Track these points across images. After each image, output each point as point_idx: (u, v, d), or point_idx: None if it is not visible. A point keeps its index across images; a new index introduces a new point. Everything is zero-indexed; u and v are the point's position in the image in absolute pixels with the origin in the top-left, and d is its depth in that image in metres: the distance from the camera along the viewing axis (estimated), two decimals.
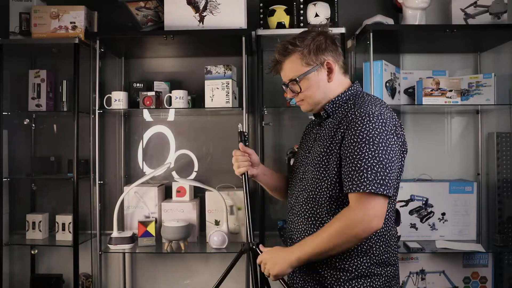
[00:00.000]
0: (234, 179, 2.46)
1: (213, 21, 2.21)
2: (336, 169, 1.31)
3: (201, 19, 2.23)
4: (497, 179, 2.42)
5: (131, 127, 2.63)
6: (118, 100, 2.33)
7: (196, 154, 2.58)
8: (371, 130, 1.25)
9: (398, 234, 2.16)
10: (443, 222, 2.31)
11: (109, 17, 2.50)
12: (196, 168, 2.59)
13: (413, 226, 2.31)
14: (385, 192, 1.22)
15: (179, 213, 2.37)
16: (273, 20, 2.28)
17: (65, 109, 2.48)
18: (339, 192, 1.32)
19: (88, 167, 2.49)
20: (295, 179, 1.48)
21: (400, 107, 2.41)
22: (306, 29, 1.47)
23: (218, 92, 2.26)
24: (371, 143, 1.24)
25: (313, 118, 1.57)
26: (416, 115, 2.55)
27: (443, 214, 2.31)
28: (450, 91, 2.19)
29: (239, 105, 2.36)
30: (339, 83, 1.43)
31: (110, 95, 2.34)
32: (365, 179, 1.22)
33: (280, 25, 2.27)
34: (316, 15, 2.25)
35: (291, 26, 2.28)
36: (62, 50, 2.38)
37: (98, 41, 2.25)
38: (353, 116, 1.30)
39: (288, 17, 2.27)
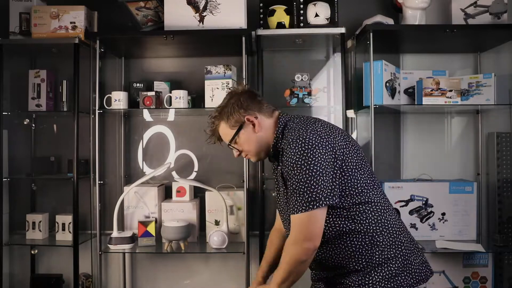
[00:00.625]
0: (234, 179, 2.46)
1: (213, 21, 2.21)
2: None
3: (201, 19, 2.23)
4: (497, 179, 2.42)
5: (131, 127, 2.63)
6: (118, 100, 2.33)
7: (196, 154, 2.58)
8: (292, 156, 1.35)
9: None
10: (443, 222, 2.31)
11: (109, 17, 2.50)
12: (196, 168, 2.59)
13: (413, 226, 2.31)
14: (315, 207, 1.31)
15: (179, 213, 2.37)
16: (273, 20, 2.28)
17: (65, 109, 2.48)
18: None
19: (88, 167, 2.49)
20: (284, 212, 1.56)
21: (400, 107, 2.41)
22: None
23: (218, 92, 2.25)
24: (295, 168, 1.34)
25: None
26: (416, 115, 2.55)
27: (443, 214, 2.31)
28: (450, 91, 2.19)
29: None
30: (269, 127, 1.53)
31: (110, 95, 2.34)
32: (295, 203, 1.34)
33: (280, 25, 2.27)
34: (316, 15, 2.25)
35: (291, 26, 2.28)
36: (62, 50, 2.38)
37: (98, 41, 2.25)
38: (283, 147, 1.41)
39: (288, 17, 2.27)
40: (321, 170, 1.33)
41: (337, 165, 1.37)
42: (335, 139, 1.40)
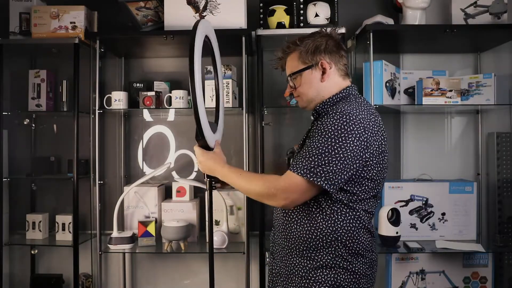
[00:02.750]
0: None
1: (213, 21, 2.21)
2: None
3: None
4: (497, 179, 2.42)
5: (131, 127, 2.63)
6: (118, 100, 2.33)
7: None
8: (329, 125, 1.30)
9: (398, 234, 2.16)
10: (443, 222, 2.31)
11: (109, 17, 2.50)
12: (196, 168, 2.59)
13: (413, 226, 2.31)
14: (311, 179, 1.28)
15: (179, 213, 2.37)
16: (273, 20, 2.28)
17: (65, 109, 2.48)
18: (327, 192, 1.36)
19: (88, 167, 2.49)
20: None
21: (400, 107, 2.41)
22: (316, 29, 1.53)
23: None
24: (322, 135, 1.30)
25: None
26: (416, 115, 2.55)
27: (443, 214, 2.31)
28: (450, 91, 2.19)
29: (239, 105, 2.36)
30: (334, 84, 1.46)
31: (110, 95, 2.34)
32: (299, 164, 1.30)
33: (280, 25, 2.27)
34: (316, 15, 2.25)
35: (291, 26, 2.28)
36: (62, 50, 2.38)
37: (98, 41, 2.25)
38: (324, 114, 1.39)
39: (288, 17, 2.27)
40: (345, 156, 1.28)
41: (361, 161, 1.32)
42: (377, 138, 1.35)
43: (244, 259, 2.23)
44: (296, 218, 1.41)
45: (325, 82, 1.45)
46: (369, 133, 1.32)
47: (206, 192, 1.64)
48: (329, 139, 1.29)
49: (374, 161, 1.36)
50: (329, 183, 1.29)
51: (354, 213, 1.38)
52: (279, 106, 2.43)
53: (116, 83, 2.58)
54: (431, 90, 2.19)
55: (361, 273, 1.40)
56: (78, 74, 2.27)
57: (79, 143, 2.29)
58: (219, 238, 2.23)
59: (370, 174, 1.36)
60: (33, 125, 2.57)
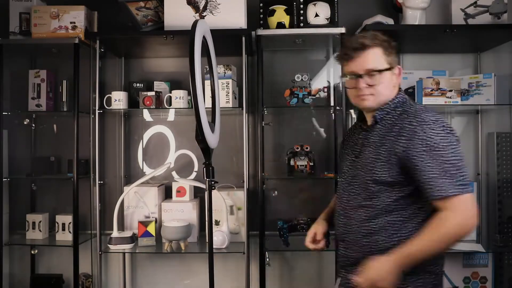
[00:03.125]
0: (234, 179, 2.46)
1: (213, 21, 2.21)
2: (387, 175, 1.35)
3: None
4: (497, 179, 2.42)
5: (131, 127, 2.63)
6: (118, 100, 2.33)
7: (196, 154, 2.58)
8: (434, 136, 1.29)
9: None
10: None
11: (109, 17, 2.50)
12: (196, 168, 2.59)
13: None
14: (468, 190, 1.27)
15: (179, 213, 2.37)
16: (273, 20, 2.28)
17: (65, 109, 2.48)
18: (395, 196, 1.36)
19: (88, 167, 2.49)
20: (344, 183, 1.51)
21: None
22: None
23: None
24: (439, 149, 1.28)
25: (357, 122, 1.60)
26: None
27: None
28: (450, 91, 2.19)
29: (239, 105, 2.36)
30: (395, 90, 1.47)
31: (110, 95, 2.34)
32: (443, 185, 1.27)
33: (280, 25, 2.26)
34: (316, 15, 2.25)
35: (291, 26, 2.28)
36: (62, 50, 2.38)
37: (98, 41, 2.25)
38: (410, 126, 1.33)
39: (288, 17, 2.27)
40: (462, 159, 1.31)
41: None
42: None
43: (244, 259, 2.23)
44: (378, 228, 1.38)
45: (395, 85, 1.46)
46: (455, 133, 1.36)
47: (206, 192, 1.64)
48: (455, 149, 1.30)
49: None
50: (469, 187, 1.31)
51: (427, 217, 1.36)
52: (279, 106, 2.43)
53: (116, 83, 2.58)
54: (431, 90, 2.19)
55: (440, 273, 1.41)
56: (78, 74, 2.27)
57: (79, 143, 2.29)
58: (219, 238, 2.23)
59: None
60: (33, 125, 2.57)
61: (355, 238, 1.43)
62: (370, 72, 1.41)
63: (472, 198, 1.29)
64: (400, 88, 1.49)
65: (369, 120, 1.49)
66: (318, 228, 1.64)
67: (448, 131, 1.32)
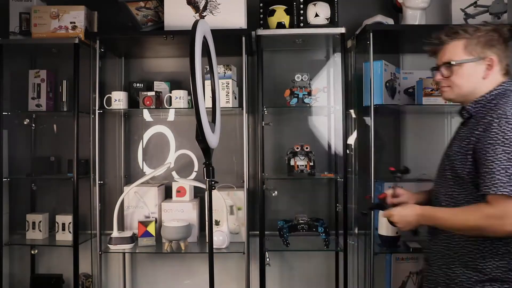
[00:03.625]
0: (234, 179, 2.46)
1: (213, 21, 2.21)
2: (467, 170, 1.33)
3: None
4: None
5: (131, 127, 2.63)
6: (118, 100, 2.33)
7: (196, 154, 2.58)
8: (507, 132, 1.24)
9: (398, 234, 2.16)
10: None
11: (109, 17, 2.50)
12: (196, 168, 2.59)
13: None
14: None
15: (179, 213, 2.37)
16: (273, 20, 2.28)
17: (65, 109, 2.48)
18: (475, 191, 1.32)
19: (88, 167, 2.49)
20: (438, 174, 1.51)
21: (400, 107, 2.41)
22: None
23: None
24: (506, 145, 1.23)
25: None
26: (416, 115, 2.55)
27: None
28: None
29: (239, 105, 2.36)
30: (493, 83, 1.40)
31: (110, 95, 2.34)
32: (498, 181, 1.22)
33: (280, 25, 2.26)
34: (316, 15, 2.25)
35: (291, 26, 2.28)
36: (62, 50, 2.38)
37: (98, 41, 2.25)
38: (490, 118, 1.29)
39: (288, 17, 2.27)
40: None
41: None
42: None
43: (244, 259, 2.23)
44: None
45: (486, 79, 1.39)
46: None
47: (206, 192, 1.64)
48: None
49: None
50: None
51: None
52: (279, 106, 2.43)
53: (116, 83, 2.58)
54: (431, 90, 2.19)
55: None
56: (78, 74, 2.27)
57: (79, 143, 2.29)
58: (219, 238, 2.23)
59: None
60: (33, 125, 2.57)
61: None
62: (443, 65, 1.44)
63: None
64: (505, 81, 1.41)
65: (463, 114, 1.47)
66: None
67: None
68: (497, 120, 1.27)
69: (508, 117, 1.26)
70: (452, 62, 1.41)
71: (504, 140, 1.24)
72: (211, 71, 1.73)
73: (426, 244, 1.53)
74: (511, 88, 1.39)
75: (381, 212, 1.55)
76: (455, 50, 1.42)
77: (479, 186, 1.28)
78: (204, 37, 1.58)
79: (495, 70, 1.39)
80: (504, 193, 1.21)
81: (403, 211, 1.45)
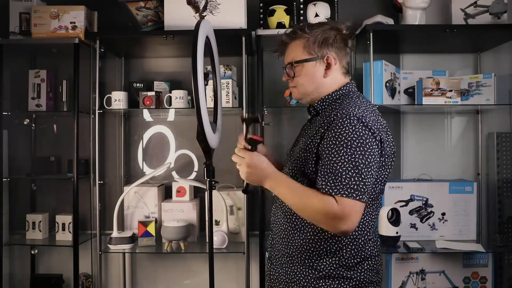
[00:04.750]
0: (234, 179, 2.46)
1: (213, 21, 2.20)
2: (312, 168, 1.31)
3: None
4: (497, 179, 2.42)
5: (131, 127, 2.63)
6: (118, 100, 2.33)
7: (196, 154, 2.58)
8: (349, 133, 1.23)
9: (398, 234, 2.16)
10: (443, 222, 2.31)
11: (109, 17, 2.50)
12: (196, 168, 2.59)
13: (413, 226, 2.31)
14: (357, 198, 1.20)
15: (179, 213, 2.37)
16: (273, 20, 2.28)
17: (65, 109, 2.48)
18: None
19: (88, 167, 2.49)
20: (285, 172, 1.45)
21: (400, 107, 2.41)
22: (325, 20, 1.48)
23: None
24: (349, 147, 1.22)
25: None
26: (416, 115, 2.55)
27: (443, 214, 2.31)
28: (450, 91, 2.19)
29: (239, 105, 2.36)
30: (335, 81, 1.42)
31: (110, 95, 2.34)
32: (339, 183, 1.21)
33: (280, 25, 2.27)
34: (316, 15, 2.25)
35: (291, 26, 2.27)
36: (62, 50, 2.38)
37: (98, 41, 2.25)
38: (334, 117, 1.28)
39: (288, 17, 2.27)
40: (373, 164, 1.24)
41: (379, 160, 1.29)
42: (388, 138, 1.33)
43: (244, 259, 2.23)
44: (300, 225, 1.36)
45: (327, 77, 1.40)
46: (381, 135, 1.29)
47: (206, 192, 1.64)
48: (358, 150, 1.22)
49: (387, 162, 1.33)
50: (369, 196, 1.26)
51: (362, 217, 1.30)
52: (279, 106, 2.43)
53: (116, 83, 2.58)
54: (431, 90, 2.19)
55: (367, 281, 1.34)
56: (78, 74, 2.27)
57: (79, 143, 2.29)
58: (219, 238, 2.23)
59: (382, 176, 1.33)
60: (33, 125, 2.57)
61: (278, 230, 1.43)
62: (287, 65, 1.44)
63: (360, 207, 1.22)
64: (349, 82, 1.44)
65: (310, 111, 1.49)
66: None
67: (370, 132, 1.24)
68: (341, 120, 1.26)
69: (351, 118, 1.25)
70: (293, 63, 1.42)
71: (346, 141, 1.23)
72: (214, 72, 1.73)
73: (268, 242, 1.52)
74: (353, 89, 1.43)
75: (236, 150, 1.44)
76: (296, 50, 1.42)
77: (318, 184, 1.25)
78: (207, 37, 1.57)
79: (335, 69, 1.40)
80: (343, 195, 1.20)
81: (260, 162, 1.37)
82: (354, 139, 1.22)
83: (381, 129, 1.30)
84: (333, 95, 1.41)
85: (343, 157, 1.22)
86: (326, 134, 1.28)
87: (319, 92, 1.42)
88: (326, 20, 1.46)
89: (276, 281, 1.44)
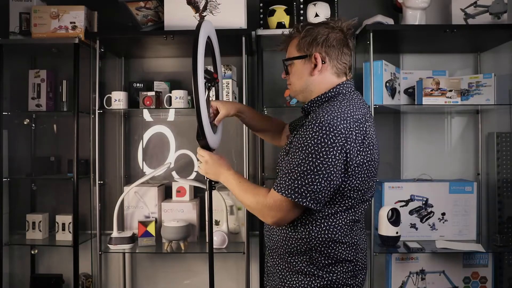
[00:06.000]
0: None
1: (213, 21, 2.19)
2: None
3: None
4: (497, 179, 2.42)
5: (131, 127, 2.63)
6: (118, 100, 2.33)
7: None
8: (308, 139, 1.23)
9: (398, 234, 2.16)
10: (443, 222, 2.31)
11: (109, 17, 2.50)
12: (196, 168, 2.59)
13: (413, 226, 2.31)
14: (291, 197, 1.24)
15: (179, 213, 2.37)
16: (273, 20, 2.28)
17: (65, 109, 2.48)
18: None
19: (88, 167, 2.49)
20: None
21: (400, 107, 2.41)
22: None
23: None
24: (303, 151, 1.23)
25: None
26: (416, 115, 2.55)
27: (443, 214, 2.31)
28: (450, 91, 2.19)
29: None
30: (325, 81, 1.38)
31: (110, 95, 2.34)
32: (283, 182, 1.26)
33: (280, 25, 2.26)
34: (316, 15, 2.25)
35: (291, 26, 2.27)
36: (62, 50, 2.38)
37: (98, 41, 2.25)
38: (309, 120, 1.28)
39: (288, 17, 2.27)
40: (328, 172, 1.22)
41: (344, 174, 1.26)
42: (361, 148, 1.27)
43: (244, 259, 2.23)
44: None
45: (314, 76, 1.37)
46: (351, 144, 1.24)
47: (206, 192, 1.64)
48: (311, 155, 1.22)
49: (357, 171, 1.28)
50: (315, 202, 1.25)
51: (332, 222, 1.32)
52: (279, 106, 2.43)
53: (116, 83, 2.58)
54: (431, 90, 2.19)
55: (340, 283, 1.33)
56: (78, 74, 2.27)
57: (79, 143, 2.29)
58: (219, 238, 2.23)
59: (353, 185, 1.29)
60: (33, 125, 2.57)
61: (269, 236, 1.46)
62: (284, 63, 1.45)
63: (288, 203, 1.26)
64: (341, 83, 1.38)
65: (301, 111, 1.47)
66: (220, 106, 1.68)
67: (331, 140, 1.21)
68: (310, 124, 1.25)
69: (318, 123, 1.23)
70: (286, 60, 1.44)
71: (303, 145, 1.24)
72: (216, 71, 1.73)
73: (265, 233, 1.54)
74: (344, 90, 1.37)
75: (198, 149, 1.57)
76: (291, 48, 1.43)
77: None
78: (209, 37, 1.57)
79: (324, 68, 1.37)
80: (282, 194, 1.26)
81: (217, 159, 1.51)
82: (310, 144, 1.23)
83: (355, 137, 1.25)
84: (322, 97, 1.37)
85: (295, 160, 1.25)
86: (295, 137, 1.31)
87: (309, 91, 1.40)
88: (328, 20, 1.42)
89: (267, 272, 1.50)
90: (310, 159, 1.22)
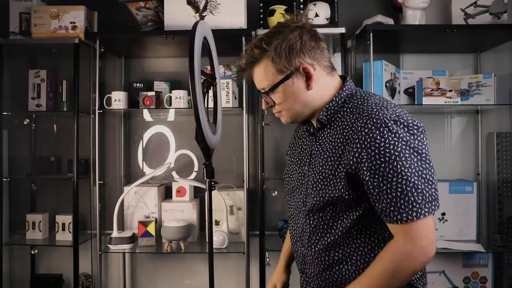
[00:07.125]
0: (234, 179, 2.46)
1: (213, 21, 2.21)
2: (342, 194, 1.10)
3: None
4: (497, 179, 2.42)
5: (131, 127, 2.63)
6: (118, 100, 2.33)
7: (196, 154, 2.58)
8: (396, 143, 1.04)
9: None
10: (443, 222, 2.31)
11: (109, 17, 2.50)
12: (196, 168, 2.59)
13: None
14: (430, 211, 1.03)
15: (179, 213, 2.37)
16: (273, 20, 2.28)
17: (65, 109, 2.48)
18: (354, 216, 1.13)
19: (88, 167, 2.49)
20: (297, 200, 1.26)
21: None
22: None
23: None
24: (403, 159, 1.03)
25: (300, 124, 1.34)
26: (416, 115, 2.53)
27: (443, 214, 2.31)
28: (450, 91, 2.19)
29: (239, 105, 2.36)
30: (326, 87, 1.18)
31: (110, 95, 2.34)
32: (415, 204, 1.02)
33: None
34: (316, 15, 2.25)
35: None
36: (62, 50, 2.38)
37: (98, 41, 2.25)
38: (363, 128, 1.06)
39: (288, 17, 2.27)
40: (431, 163, 1.08)
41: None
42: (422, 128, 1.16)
43: (244, 259, 2.23)
44: (342, 256, 1.15)
45: (312, 89, 1.15)
46: (420, 126, 1.14)
47: (206, 192, 1.64)
48: (412, 157, 1.05)
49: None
50: (438, 200, 1.07)
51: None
52: None
53: (116, 83, 2.58)
54: (431, 90, 2.19)
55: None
56: (78, 74, 2.27)
57: (79, 143, 2.29)
58: (219, 238, 2.23)
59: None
60: (33, 125, 2.57)
61: (314, 271, 1.21)
62: (263, 93, 1.19)
63: (431, 220, 1.05)
64: (344, 78, 1.22)
65: (315, 123, 1.21)
66: (277, 280, 1.47)
67: (413, 130, 1.08)
68: (377, 131, 1.05)
69: (387, 124, 1.06)
70: (267, 91, 1.17)
71: (396, 154, 1.03)
72: (213, 72, 1.73)
73: (296, 254, 1.32)
74: (353, 86, 1.22)
75: None
76: (265, 73, 1.15)
77: (385, 217, 1.06)
78: (205, 38, 1.57)
79: (317, 75, 1.15)
80: (426, 214, 1.03)
81: None
82: (403, 147, 1.04)
83: (415, 122, 1.13)
84: (337, 100, 1.17)
85: (402, 174, 1.02)
86: (364, 153, 1.05)
87: (312, 107, 1.18)
88: (284, 22, 1.22)
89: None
90: (415, 161, 1.05)
